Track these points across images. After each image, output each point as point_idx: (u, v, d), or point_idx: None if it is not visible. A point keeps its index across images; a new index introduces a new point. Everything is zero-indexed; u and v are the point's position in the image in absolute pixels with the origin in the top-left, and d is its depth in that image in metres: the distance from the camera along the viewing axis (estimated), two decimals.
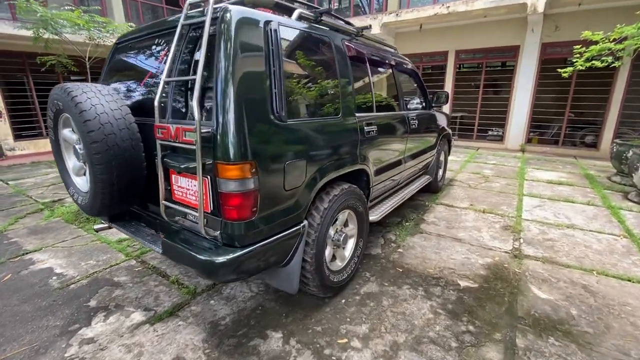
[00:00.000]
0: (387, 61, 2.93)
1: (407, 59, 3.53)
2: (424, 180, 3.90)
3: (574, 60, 5.57)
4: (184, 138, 1.41)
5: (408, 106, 3.37)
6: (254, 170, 1.43)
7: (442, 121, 4.28)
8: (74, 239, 3.24)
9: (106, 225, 2.15)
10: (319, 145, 1.84)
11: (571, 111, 7.77)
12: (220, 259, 1.44)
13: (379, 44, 2.93)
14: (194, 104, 1.34)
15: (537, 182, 5.17)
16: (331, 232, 2.15)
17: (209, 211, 1.53)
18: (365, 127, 2.31)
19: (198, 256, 1.46)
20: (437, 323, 1.97)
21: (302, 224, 1.80)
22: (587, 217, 3.69)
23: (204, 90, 1.46)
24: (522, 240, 3.10)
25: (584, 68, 5.39)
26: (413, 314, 2.05)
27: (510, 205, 4.10)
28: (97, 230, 2.28)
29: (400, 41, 9.21)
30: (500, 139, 8.57)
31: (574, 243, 3.06)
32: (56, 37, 5.61)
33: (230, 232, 1.48)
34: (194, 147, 1.37)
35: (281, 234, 1.67)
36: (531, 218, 3.67)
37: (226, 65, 1.39)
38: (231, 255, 1.46)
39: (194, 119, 1.35)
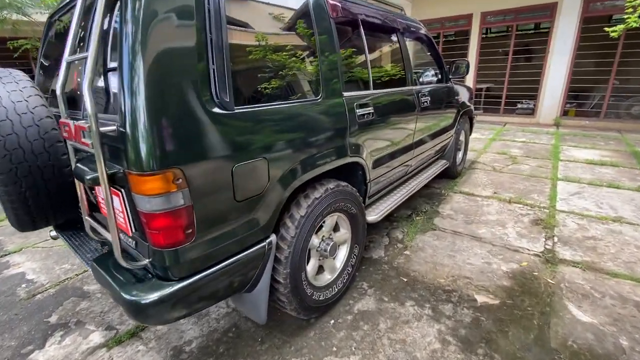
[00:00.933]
0: (389, 25, 2.38)
1: (418, 22, 2.94)
2: (439, 167, 3.38)
3: (625, 17, 4.68)
4: (81, 139, 1.03)
5: (418, 80, 2.83)
6: (180, 180, 1.04)
7: (462, 95, 3.68)
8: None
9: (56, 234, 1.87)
10: (287, 137, 1.41)
11: (616, 78, 6.76)
12: (149, 298, 1.09)
13: (379, 2, 2.38)
14: (85, 91, 0.94)
15: (574, 163, 4.50)
16: (315, 241, 1.76)
17: (130, 234, 1.17)
18: (357, 110, 1.85)
19: (122, 293, 1.12)
20: (446, 357, 1.58)
21: (268, 240, 1.42)
22: (638, 208, 3.08)
23: (108, 71, 1.06)
24: (556, 239, 2.59)
25: (638, 25, 4.51)
26: (415, 343, 1.66)
27: (542, 192, 3.53)
28: (53, 238, 2.01)
29: (417, 7, 8.29)
30: (531, 112, 7.69)
31: (622, 243, 2.51)
32: (24, 18, 5.25)
33: (161, 262, 1.12)
34: (93, 150, 0.99)
35: (237, 256, 1.30)
36: (567, 209, 3.11)
37: (133, 33, 0.97)
38: (164, 292, 1.11)
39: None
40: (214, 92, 1.13)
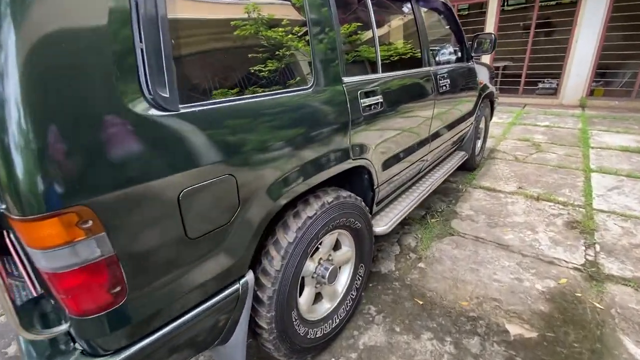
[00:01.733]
0: None
1: None
2: (457, 159, 2.97)
3: None
4: None
5: (436, 59, 2.38)
6: (90, 222, 0.69)
7: (482, 76, 3.20)
8: None
9: None
10: (263, 144, 1.03)
11: None
12: None
13: None
14: None
15: (607, 151, 4.02)
16: (310, 267, 1.42)
17: (36, 293, 0.83)
18: (362, 100, 1.45)
19: None
20: None
21: (242, 280, 1.07)
22: None
23: None
24: (598, 248, 2.20)
25: None
26: None
27: (574, 187, 3.10)
28: None
29: None
30: (554, 92, 7.08)
31: None
32: None
33: (81, 333, 0.79)
34: None
35: (198, 308, 0.96)
36: (607, 208, 2.69)
37: None
38: None
39: None
40: (143, 86, 0.76)
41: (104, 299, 0.76)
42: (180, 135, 0.82)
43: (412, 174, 2.21)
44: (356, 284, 1.69)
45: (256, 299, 1.18)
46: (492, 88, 3.48)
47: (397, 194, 2.13)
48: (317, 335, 1.45)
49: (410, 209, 2.06)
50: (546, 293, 1.83)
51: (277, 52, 1.14)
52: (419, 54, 2.08)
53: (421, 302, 1.81)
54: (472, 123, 3.12)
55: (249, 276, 1.09)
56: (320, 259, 1.48)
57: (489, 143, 4.51)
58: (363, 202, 1.59)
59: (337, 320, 1.57)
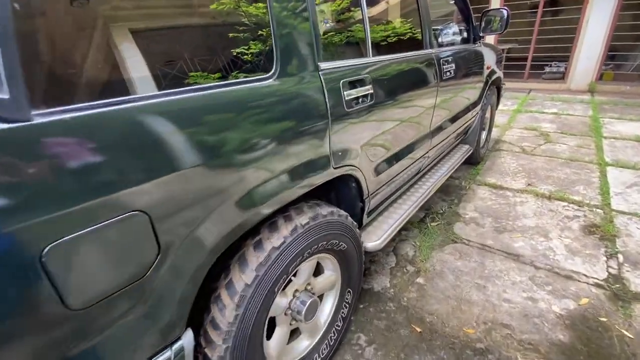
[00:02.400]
0: None
1: None
2: (461, 154, 2.66)
3: None
4: None
5: (438, 40, 2.04)
6: None
7: (489, 59, 2.85)
8: None
9: None
10: (196, 159, 0.73)
11: None
12: None
13: None
14: None
15: (621, 141, 3.71)
16: (281, 302, 1.14)
17: None
18: (346, 92, 1.13)
19: None
20: None
21: (175, 346, 0.79)
22: None
23: None
24: (621, 258, 1.93)
25: None
26: None
27: (589, 183, 2.81)
28: None
29: None
30: (562, 76, 6.70)
31: None
32: None
33: None
34: None
35: None
36: (627, 209, 2.41)
37: None
38: None
39: None
40: None
41: None
42: (38, 160, 0.52)
43: (411, 175, 1.91)
44: (342, 313, 1.42)
45: None
46: (499, 73, 3.14)
47: (392, 199, 1.83)
48: None
49: (407, 217, 1.77)
50: (565, 317, 1.57)
51: (212, 27, 0.82)
52: (419, 34, 1.74)
53: (419, 330, 1.54)
54: (477, 113, 2.80)
55: (186, 338, 0.80)
56: (296, 290, 1.20)
57: (494, 133, 4.19)
58: (350, 218, 1.29)
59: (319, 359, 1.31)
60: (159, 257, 0.68)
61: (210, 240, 0.78)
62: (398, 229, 1.68)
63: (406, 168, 1.74)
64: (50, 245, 0.53)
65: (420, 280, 1.85)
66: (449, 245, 2.13)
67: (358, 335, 1.54)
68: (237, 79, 0.84)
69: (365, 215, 1.54)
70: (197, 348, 0.91)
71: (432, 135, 1.95)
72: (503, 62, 7.23)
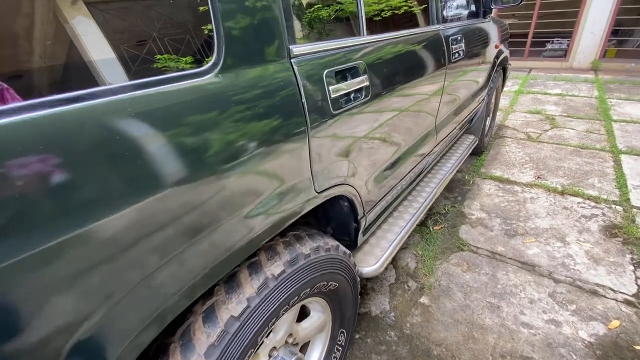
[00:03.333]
0: None
1: None
2: (467, 146, 2.37)
3: None
4: None
5: (444, 14, 1.70)
6: None
7: (497, 37, 2.52)
8: None
9: None
10: (95, 197, 0.43)
11: None
12: None
13: None
14: None
15: (633, 125, 3.46)
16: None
17: None
18: (330, 86, 0.81)
19: None
20: None
21: None
22: None
23: None
24: None
25: None
26: None
27: (604, 174, 2.57)
28: None
29: None
30: (564, 54, 6.36)
31: None
32: None
33: None
34: None
35: None
36: None
37: None
38: None
39: None
40: None
41: None
42: None
43: (413, 177, 1.62)
44: (335, 357, 1.16)
45: None
46: (506, 52, 2.81)
47: (392, 209, 1.55)
48: None
49: (410, 229, 1.50)
50: (595, 346, 1.34)
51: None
52: (424, 6, 1.40)
53: None
54: (484, 99, 2.49)
55: None
56: (273, 349, 0.92)
57: (497, 117, 3.90)
58: (342, 247, 1.01)
59: None
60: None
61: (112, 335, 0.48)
62: (399, 245, 1.41)
63: (409, 172, 1.45)
64: None
65: (424, 300, 1.60)
66: (455, 253, 1.88)
67: None
68: (150, 76, 0.52)
69: (360, 235, 1.26)
70: None
71: (438, 130, 1.65)
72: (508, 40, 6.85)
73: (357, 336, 1.45)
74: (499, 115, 4.02)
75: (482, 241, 1.96)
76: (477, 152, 2.96)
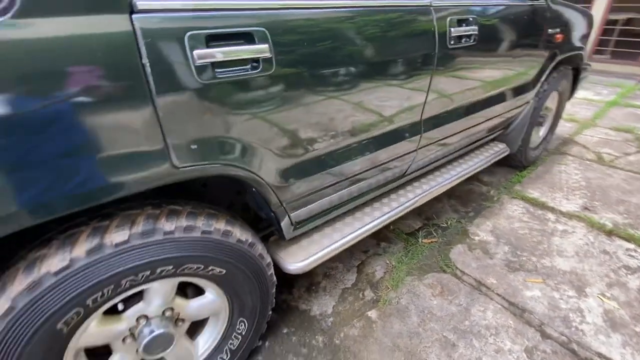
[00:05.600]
0: None
1: None
2: (488, 156, 2.02)
3: None
4: None
5: None
6: None
7: (567, 27, 2.03)
8: None
9: None
10: None
11: None
12: None
13: None
14: None
15: None
16: (115, 328, 0.87)
17: None
18: (195, 50, 0.70)
19: None
20: None
21: None
22: None
23: None
24: None
25: None
26: None
27: None
28: None
29: None
30: None
31: None
32: None
33: None
34: None
35: None
36: None
37: None
38: None
39: None
40: None
41: None
42: None
43: (381, 180, 1.42)
44: (231, 344, 1.11)
45: None
46: (580, 49, 2.26)
47: (346, 210, 1.39)
48: None
49: (357, 238, 1.34)
50: None
51: None
52: None
53: None
54: (528, 102, 2.06)
55: None
56: (144, 317, 0.91)
57: (563, 130, 3.24)
58: (235, 236, 0.94)
59: None
60: None
61: None
62: (337, 251, 1.27)
63: (365, 171, 1.27)
64: None
65: (372, 314, 1.44)
66: (434, 273, 1.64)
67: None
68: None
69: (287, 227, 1.16)
70: None
71: (425, 127, 1.41)
72: (609, 36, 5.61)
73: (284, 330, 1.37)
74: (571, 127, 3.33)
75: (472, 267, 1.66)
76: (517, 166, 2.51)
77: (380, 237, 1.88)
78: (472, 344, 1.30)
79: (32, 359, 0.71)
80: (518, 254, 1.74)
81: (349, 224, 1.38)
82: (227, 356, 1.12)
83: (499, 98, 1.75)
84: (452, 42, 1.26)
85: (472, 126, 1.69)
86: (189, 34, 0.69)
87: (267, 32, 0.79)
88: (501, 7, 1.50)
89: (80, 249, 0.71)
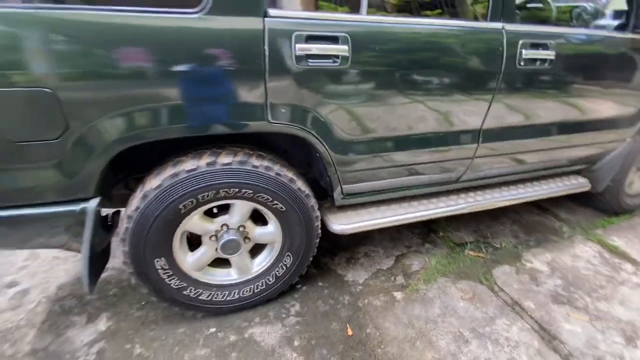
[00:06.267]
0: None
1: None
2: (559, 187, 1.94)
3: None
4: None
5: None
6: None
7: None
8: None
9: None
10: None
11: None
12: None
13: None
14: None
15: None
16: (205, 226, 1.29)
17: None
18: (298, 44, 1.04)
19: None
20: None
21: (82, 205, 1.07)
22: None
23: None
24: None
25: None
26: None
27: None
28: None
29: None
30: None
31: None
32: None
33: None
34: None
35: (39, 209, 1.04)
36: None
37: None
38: None
39: None
40: None
41: None
42: None
43: (430, 180, 1.58)
44: (277, 272, 1.44)
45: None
46: None
47: (395, 197, 1.59)
48: (199, 297, 1.35)
49: (396, 222, 1.53)
50: None
51: None
52: None
53: (351, 333, 1.40)
54: (624, 140, 1.91)
55: (91, 204, 1.07)
56: (225, 225, 1.31)
57: None
58: (298, 183, 1.27)
59: (236, 296, 1.41)
60: (66, 131, 0.94)
61: (112, 134, 0.99)
62: (376, 227, 1.49)
63: (415, 165, 1.46)
64: None
65: (398, 294, 1.60)
66: (470, 281, 1.70)
67: (294, 304, 1.54)
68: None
69: (337, 194, 1.44)
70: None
71: (484, 138, 1.52)
72: None
73: (320, 283, 1.65)
74: None
75: (513, 287, 1.67)
76: (606, 210, 2.28)
77: (427, 239, 2.00)
78: (485, 346, 1.36)
79: (161, 223, 1.15)
80: (570, 290, 1.66)
81: (393, 209, 1.58)
82: (273, 279, 1.45)
83: (576, 127, 1.70)
84: (521, 63, 1.37)
85: (542, 150, 1.70)
86: (295, 33, 1.04)
87: (348, 37, 1.10)
88: (588, 37, 1.51)
89: (203, 161, 1.13)
